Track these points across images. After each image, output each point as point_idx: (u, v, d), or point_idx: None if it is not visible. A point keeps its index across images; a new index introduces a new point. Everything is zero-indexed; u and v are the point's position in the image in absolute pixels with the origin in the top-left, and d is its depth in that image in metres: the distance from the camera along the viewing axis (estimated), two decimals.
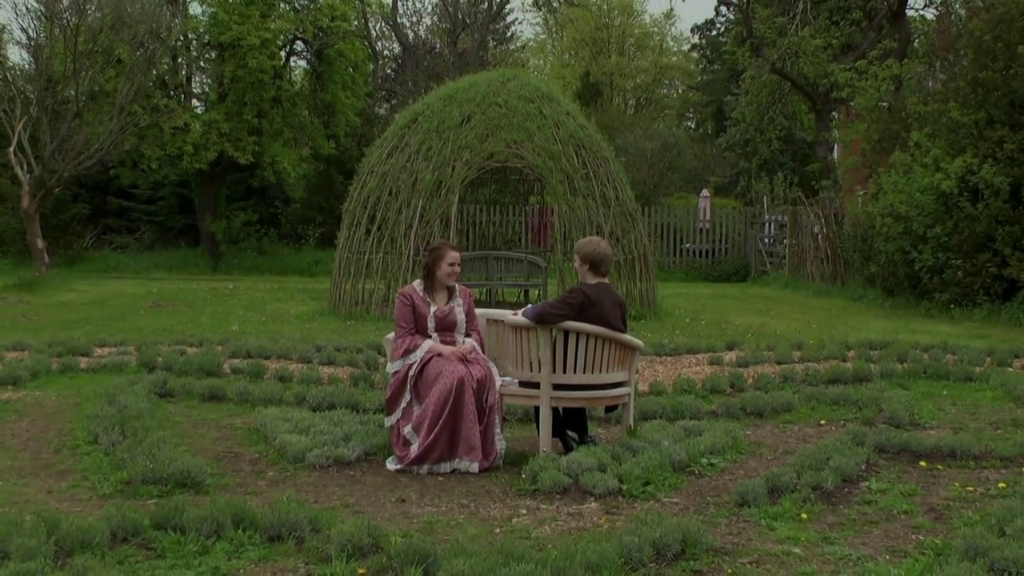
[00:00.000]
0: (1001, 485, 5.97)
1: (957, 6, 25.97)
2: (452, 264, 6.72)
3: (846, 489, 5.90)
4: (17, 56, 26.78)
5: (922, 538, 5.04)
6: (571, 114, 16.50)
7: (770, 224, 27.81)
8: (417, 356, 6.50)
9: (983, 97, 16.82)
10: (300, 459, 6.44)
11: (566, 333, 6.53)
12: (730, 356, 11.10)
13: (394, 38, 35.33)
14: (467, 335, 6.71)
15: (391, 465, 6.40)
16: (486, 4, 36.59)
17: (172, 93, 27.82)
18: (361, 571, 4.39)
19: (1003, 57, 16.65)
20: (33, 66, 24.14)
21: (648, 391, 8.85)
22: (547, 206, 21.21)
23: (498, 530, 5.13)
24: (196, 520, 4.85)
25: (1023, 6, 16.85)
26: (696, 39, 50.57)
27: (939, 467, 6.49)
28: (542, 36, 57.40)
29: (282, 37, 28.50)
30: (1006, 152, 16.15)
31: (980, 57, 17.15)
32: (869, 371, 9.75)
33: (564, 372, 6.56)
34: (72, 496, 5.68)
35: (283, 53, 29.37)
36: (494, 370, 6.62)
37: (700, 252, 28.57)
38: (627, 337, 6.76)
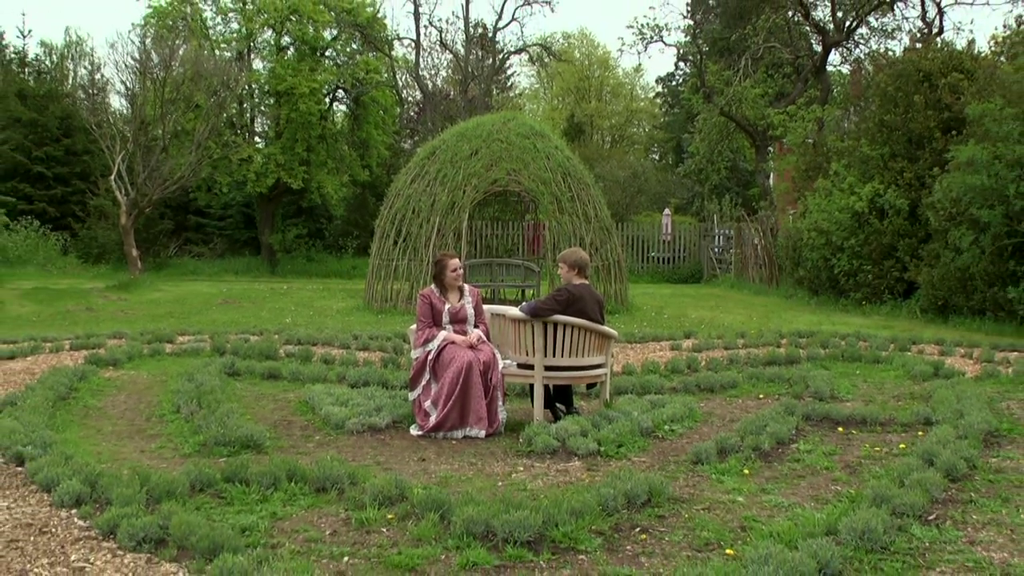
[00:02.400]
0: (902, 446, 5.98)
1: (867, 63, 26.00)
2: (455, 270, 6.73)
3: (780, 450, 5.90)
4: (117, 103, 26.79)
5: (839, 489, 5.05)
6: (559, 148, 16.49)
7: (719, 237, 27.81)
8: (434, 344, 6.51)
9: (887, 136, 16.84)
10: (341, 426, 6.44)
11: (555, 324, 6.54)
12: (687, 343, 11.10)
13: (416, 87, 35.30)
14: (475, 326, 6.72)
15: (414, 431, 6.41)
16: (490, 60, 36.57)
17: (239, 131, 27.81)
18: (390, 516, 4.40)
19: (903, 104, 16.69)
20: (129, 111, 24.14)
21: (621, 371, 8.85)
22: (540, 222, 21.22)
23: (500, 483, 5.13)
24: (258, 475, 4.85)
25: (918, 64, 16.92)
26: (659, 88, 50.52)
27: (853, 432, 6.50)
28: (536, 85, 57.35)
29: (326, 87, 28.50)
30: (905, 180, 16.19)
31: (885, 104, 17.18)
32: (798, 355, 9.76)
33: (554, 356, 6.57)
34: (159, 455, 5.69)
35: (327, 99, 29.36)
36: (497, 355, 6.63)
37: (663, 259, 28.56)
38: (604, 328, 6.77)
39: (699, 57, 29.42)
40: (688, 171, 32.11)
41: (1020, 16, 16.81)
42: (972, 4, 26.24)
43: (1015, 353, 10.25)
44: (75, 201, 27.40)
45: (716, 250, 27.52)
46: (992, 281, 13.37)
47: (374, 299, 16.06)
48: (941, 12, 25.89)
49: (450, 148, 16.15)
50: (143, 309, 15.26)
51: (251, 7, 27.34)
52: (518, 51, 37.56)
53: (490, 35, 36.18)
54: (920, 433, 6.35)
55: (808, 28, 28.12)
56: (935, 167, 15.37)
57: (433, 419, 6.32)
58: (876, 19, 27.73)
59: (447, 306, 6.65)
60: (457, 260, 6.80)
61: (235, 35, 27.74)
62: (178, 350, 9.95)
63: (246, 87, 27.26)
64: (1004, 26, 26.06)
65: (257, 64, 28.54)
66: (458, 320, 6.65)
